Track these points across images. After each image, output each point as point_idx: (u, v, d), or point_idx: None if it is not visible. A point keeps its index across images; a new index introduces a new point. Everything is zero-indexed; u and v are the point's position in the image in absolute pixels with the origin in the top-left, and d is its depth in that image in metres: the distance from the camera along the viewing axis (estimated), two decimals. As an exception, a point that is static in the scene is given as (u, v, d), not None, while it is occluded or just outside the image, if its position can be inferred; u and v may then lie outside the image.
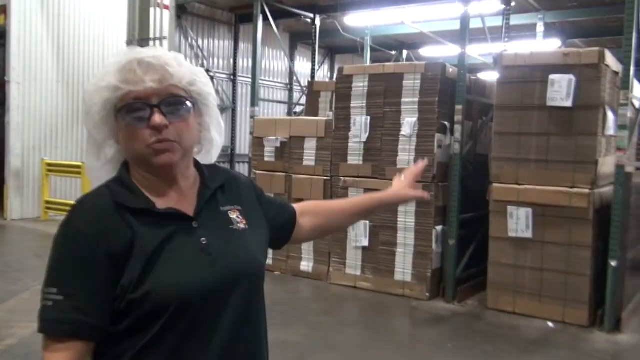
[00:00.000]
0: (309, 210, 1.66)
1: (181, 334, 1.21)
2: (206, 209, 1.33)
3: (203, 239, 1.27)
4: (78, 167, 9.19)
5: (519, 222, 5.33)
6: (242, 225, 1.36)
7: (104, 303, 1.19)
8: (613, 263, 5.00)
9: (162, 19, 8.61)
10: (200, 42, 11.33)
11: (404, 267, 5.96)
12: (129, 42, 8.64)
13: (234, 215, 1.37)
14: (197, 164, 1.40)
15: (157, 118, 1.22)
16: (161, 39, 8.48)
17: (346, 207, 1.74)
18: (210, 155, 1.44)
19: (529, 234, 5.31)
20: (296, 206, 1.64)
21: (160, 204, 1.28)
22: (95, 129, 1.29)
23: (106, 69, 1.26)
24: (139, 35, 8.53)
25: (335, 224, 1.75)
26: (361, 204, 1.76)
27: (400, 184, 1.76)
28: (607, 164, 5.34)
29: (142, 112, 1.23)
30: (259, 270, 1.37)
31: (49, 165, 9.59)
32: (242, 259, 1.32)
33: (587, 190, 5.07)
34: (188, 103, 1.28)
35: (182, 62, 1.30)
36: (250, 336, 1.32)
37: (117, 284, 1.19)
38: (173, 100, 1.26)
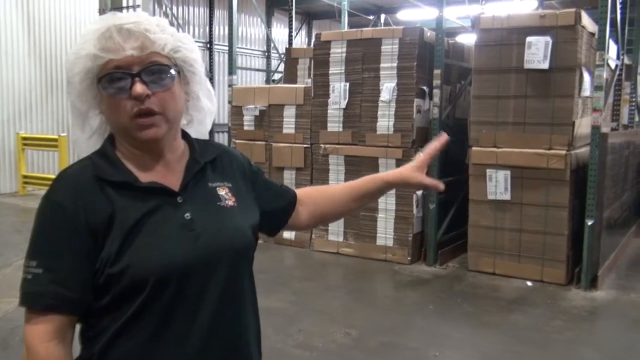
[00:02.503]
0: (307, 196, 1.59)
1: (163, 310, 1.19)
2: (193, 184, 1.30)
3: (187, 214, 1.25)
4: (54, 140, 9.05)
5: (497, 185, 5.40)
6: (230, 203, 1.33)
7: (83, 276, 1.18)
8: (589, 222, 5.11)
9: (134, -13, 8.43)
10: (174, 9, 11.13)
11: (385, 232, 6.03)
12: (101, 12, 8.45)
13: (222, 191, 1.33)
14: (187, 136, 1.36)
15: (138, 88, 1.18)
16: (134, 7, 8.31)
17: (347, 191, 1.60)
18: (204, 124, 1.39)
19: (507, 196, 5.38)
20: (298, 192, 1.58)
21: (144, 177, 1.25)
22: (78, 99, 1.25)
23: (85, 37, 1.21)
24: (112, 4, 8.35)
25: (335, 210, 1.62)
26: (363, 187, 1.60)
27: (412, 164, 1.56)
28: (583, 125, 5.40)
29: (123, 82, 1.19)
30: (246, 248, 1.33)
31: (25, 139, 9.43)
32: (228, 236, 1.29)
33: (564, 152, 5.14)
34: (172, 71, 1.24)
35: (165, 27, 1.25)
36: (237, 313, 1.30)
37: (97, 258, 1.18)
38: (155, 69, 1.21)
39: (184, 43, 1.27)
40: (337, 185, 1.66)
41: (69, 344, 1.20)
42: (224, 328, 1.26)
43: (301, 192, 1.60)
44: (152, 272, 1.18)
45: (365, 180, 1.61)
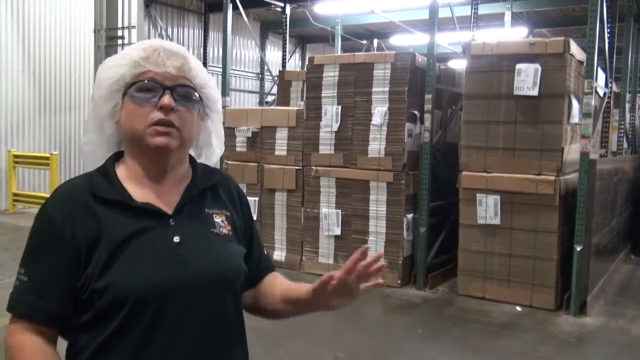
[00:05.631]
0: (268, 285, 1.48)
1: (143, 331, 1.19)
2: (189, 208, 1.31)
3: (177, 237, 1.26)
4: (46, 158, 9.02)
5: (487, 209, 5.43)
6: (224, 231, 1.34)
7: (63, 289, 1.20)
8: (578, 248, 5.13)
9: (130, 8, 8.47)
10: (169, 31, 11.22)
11: (375, 255, 6.01)
12: (97, 31, 8.50)
13: (219, 219, 1.34)
14: (192, 161, 1.40)
15: (167, 99, 1.24)
16: (129, 28, 8.36)
17: (283, 290, 1.44)
18: (210, 161, 1.45)
19: (497, 221, 5.41)
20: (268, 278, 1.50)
21: (141, 197, 1.27)
22: (100, 102, 1.29)
23: (129, 49, 1.30)
24: (107, 25, 8.39)
25: (268, 305, 1.45)
26: (294, 291, 1.41)
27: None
28: (572, 152, 5.46)
29: (154, 92, 1.25)
30: (234, 277, 1.33)
31: (16, 156, 9.40)
32: (216, 264, 1.29)
33: (553, 177, 5.18)
34: (198, 96, 1.31)
35: (201, 64, 1.35)
36: (220, 340, 1.29)
37: (81, 273, 1.20)
38: (185, 90, 1.28)
39: (211, 82, 1.36)
40: (284, 284, 1.48)
41: (47, 342, 1.21)
42: (205, 354, 1.26)
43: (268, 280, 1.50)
44: (132, 292, 1.19)
45: (298, 287, 1.41)
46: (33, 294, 1.19)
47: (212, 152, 1.43)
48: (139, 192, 1.28)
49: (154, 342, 1.21)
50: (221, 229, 1.33)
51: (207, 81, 1.34)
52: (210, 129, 1.40)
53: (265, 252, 1.54)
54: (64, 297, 1.20)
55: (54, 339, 1.23)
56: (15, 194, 9.45)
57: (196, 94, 1.30)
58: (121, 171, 1.30)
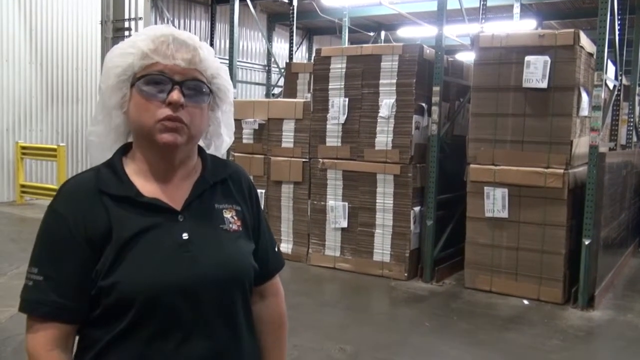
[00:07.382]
0: (276, 311, 1.50)
1: (153, 330, 1.18)
2: (198, 203, 1.28)
3: (185, 234, 1.23)
4: (53, 150, 9.05)
5: (495, 202, 5.40)
6: (234, 227, 1.31)
7: (81, 287, 1.18)
8: (586, 241, 5.10)
9: (137, -1, 8.47)
10: (176, 22, 11.21)
11: (382, 248, 6.02)
12: (104, 22, 8.49)
13: (228, 214, 1.31)
14: (203, 154, 1.37)
15: (176, 95, 1.20)
16: (136, 19, 8.35)
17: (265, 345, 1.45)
18: (219, 151, 1.42)
19: (505, 214, 5.38)
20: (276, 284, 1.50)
21: (149, 192, 1.25)
22: (108, 92, 1.26)
23: (137, 37, 1.25)
24: (114, 16, 8.39)
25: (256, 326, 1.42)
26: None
27: None
28: (581, 145, 5.42)
29: (162, 86, 1.21)
30: (243, 275, 1.30)
31: (24, 148, 9.43)
32: (227, 261, 1.27)
33: (561, 171, 5.15)
34: (208, 91, 1.27)
35: (213, 53, 1.30)
36: (231, 340, 1.27)
37: (94, 269, 1.18)
38: (195, 85, 1.24)
39: (222, 73, 1.32)
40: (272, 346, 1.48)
41: (71, 351, 1.21)
42: (215, 352, 1.24)
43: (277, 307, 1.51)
44: (139, 292, 1.17)
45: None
46: (54, 293, 1.17)
47: (221, 142, 1.40)
48: (148, 186, 1.25)
49: (165, 342, 1.19)
50: (231, 225, 1.30)
51: (219, 71, 1.30)
52: (220, 119, 1.36)
53: (276, 249, 1.49)
54: (85, 295, 1.18)
55: (74, 334, 1.22)
56: (22, 185, 9.49)
57: (206, 87, 1.26)
58: (129, 165, 1.28)
